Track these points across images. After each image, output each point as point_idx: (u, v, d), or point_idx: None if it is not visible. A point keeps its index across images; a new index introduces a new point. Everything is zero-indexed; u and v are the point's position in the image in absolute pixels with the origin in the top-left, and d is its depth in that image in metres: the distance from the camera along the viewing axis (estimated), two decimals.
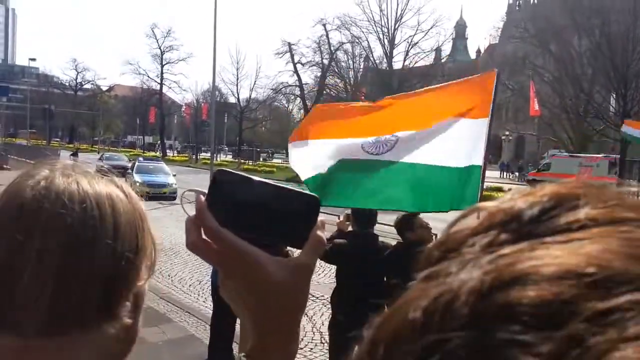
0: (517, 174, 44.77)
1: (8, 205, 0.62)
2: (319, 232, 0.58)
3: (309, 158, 3.89)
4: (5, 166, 29.27)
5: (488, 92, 3.68)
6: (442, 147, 3.62)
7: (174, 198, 19.40)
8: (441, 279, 0.25)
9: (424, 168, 3.58)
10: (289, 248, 0.62)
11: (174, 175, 22.69)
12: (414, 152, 3.61)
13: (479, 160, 3.57)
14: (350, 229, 4.44)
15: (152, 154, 60.97)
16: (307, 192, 0.59)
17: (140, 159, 25.89)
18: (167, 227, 14.18)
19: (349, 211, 4.52)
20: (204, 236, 0.55)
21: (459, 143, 3.61)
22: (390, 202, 3.71)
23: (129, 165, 26.84)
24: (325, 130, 3.95)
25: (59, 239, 0.60)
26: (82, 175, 0.66)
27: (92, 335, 0.62)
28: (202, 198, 0.55)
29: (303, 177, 3.85)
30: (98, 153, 59.07)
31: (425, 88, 4.20)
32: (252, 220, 0.55)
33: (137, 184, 19.59)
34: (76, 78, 77.75)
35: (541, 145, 55.20)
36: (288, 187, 0.58)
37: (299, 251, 0.58)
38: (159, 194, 19.99)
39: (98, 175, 0.68)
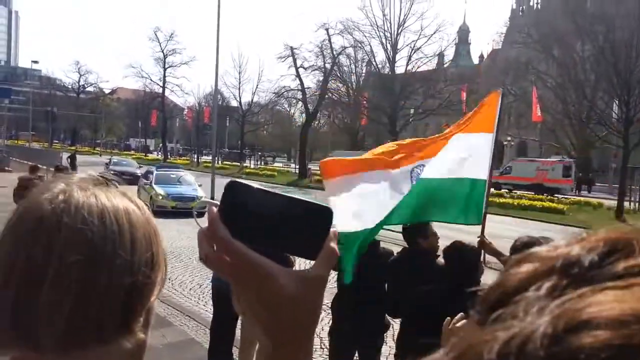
0: None
1: (27, 218, 0.62)
2: (332, 244, 0.57)
3: (347, 201, 3.58)
4: (6, 168, 29.34)
5: (492, 108, 3.72)
6: (445, 160, 3.63)
7: (203, 214, 17.67)
8: (509, 322, 0.25)
9: (428, 181, 3.56)
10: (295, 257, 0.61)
11: (200, 186, 19.69)
12: (425, 169, 3.61)
13: (483, 175, 3.57)
14: None
15: (154, 157, 61.13)
16: (320, 202, 0.58)
17: (156, 167, 20.95)
18: (169, 230, 14.17)
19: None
20: (216, 248, 0.55)
21: (462, 155, 3.61)
22: (398, 217, 3.61)
23: (139, 172, 25.19)
24: (352, 164, 3.73)
25: (79, 252, 0.60)
26: (99, 188, 0.66)
27: (109, 350, 0.62)
28: (214, 209, 0.54)
29: (341, 228, 3.50)
30: (100, 156, 59.20)
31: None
32: (264, 232, 0.55)
33: (160, 197, 17.51)
34: (79, 81, 77.98)
35: (543, 151, 55.17)
36: (301, 197, 0.57)
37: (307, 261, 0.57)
38: (187, 209, 16.64)
39: (113, 189, 0.68)
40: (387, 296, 3.71)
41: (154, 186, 18.10)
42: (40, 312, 0.58)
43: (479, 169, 3.57)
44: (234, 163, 52.94)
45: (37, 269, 0.59)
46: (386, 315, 4.20)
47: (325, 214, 0.57)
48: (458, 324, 1.50)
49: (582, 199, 28.28)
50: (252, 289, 0.55)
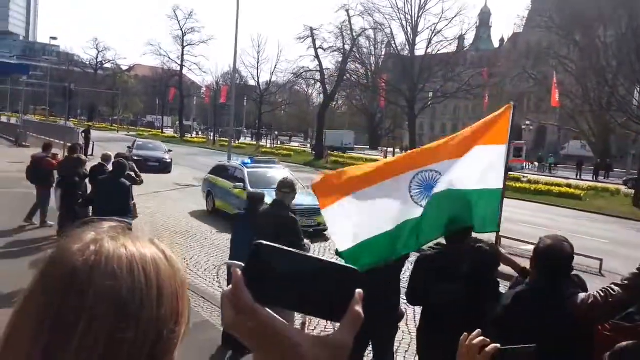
0: (536, 164, 44.04)
1: (59, 268, 0.62)
2: (357, 308, 0.56)
3: (350, 220, 3.54)
4: (24, 143, 29.73)
5: (505, 120, 3.80)
6: (470, 171, 3.65)
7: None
8: None
9: (446, 193, 3.53)
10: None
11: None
12: (439, 183, 3.59)
13: (499, 184, 3.68)
14: None
15: (169, 134, 61.46)
16: (346, 264, 0.58)
17: (245, 162, 13.76)
18: (185, 209, 14.27)
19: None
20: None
21: (482, 167, 3.67)
22: (423, 236, 3.53)
23: (168, 157, 22.99)
24: (355, 182, 3.64)
25: (109, 304, 0.60)
26: (129, 237, 0.67)
27: None
28: (239, 272, 0.54)
29: (341, 248, 3.49)
30: (117, 132, 59.55)
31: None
32: (290, 294, 0.54)
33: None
34: (97, 57, 78.46)
35: (562, 136, 54.24)
36: (327, 259, 0.57)
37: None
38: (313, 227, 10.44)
39: (141, 236, 0.68)
40: (410, 286, 3.64)
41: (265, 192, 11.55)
42: None
43: (495, 179, 3.68)
44: (250, 142, 53.05)
45: (67, 325, 0.59)
46: (401, 305, 4.18)
47: (351, 275, 0.57)
48: (475, 341, 1.46)
49: (599, 184, 27.78)
50: (274, 355, 0.53)
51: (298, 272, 0.55)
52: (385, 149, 43.98)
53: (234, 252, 5.73)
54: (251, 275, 0.54)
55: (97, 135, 33.54)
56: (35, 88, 74.63)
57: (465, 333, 1.50)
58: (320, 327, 5.76)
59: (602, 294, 2.47)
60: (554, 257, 2.63)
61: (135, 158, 19.46)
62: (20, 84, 58.16)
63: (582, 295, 2.54)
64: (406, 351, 5.89)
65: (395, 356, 5.01)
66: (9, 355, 0.61)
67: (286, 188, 5.23)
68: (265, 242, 0.55)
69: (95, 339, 0.59)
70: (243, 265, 0.55)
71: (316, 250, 9.99)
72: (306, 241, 5.27)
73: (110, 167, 9.30)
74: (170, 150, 24.78)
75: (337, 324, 0.57)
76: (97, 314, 0.60)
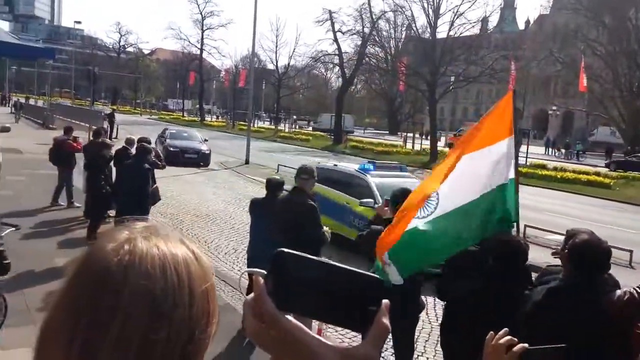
0: (563, 151, 43.02)
1: (94, 268, 0.63)
2: (384, 319, 0.54)
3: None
4: (51, 126, 30.35)
5: (508, 112, 3.68)
6: (466, 184, 3.54)
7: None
8: None
9: (466, 206, 3.44)
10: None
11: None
12: (454, 197, 3.48)
13: (510, 175, 3.55)
14: (389, 215, 4.31)
15: (190, 118, 61.90)
16: (371, 273, 0.56)
17: (366, 167, 9.79)
18: (205, 193, 14.39)
19: (388, 197, 4.40)
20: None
21: (485, 171, 3.54)
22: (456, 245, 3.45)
23: (205, 148, 20.69)
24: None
25: (143, 304, 0.61)
26: (161, 237, 0.67)
27: None
28: (261, 280, 0.53)
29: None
30: (140, 115, 60.16)
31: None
32: (313, 302, 0.53)
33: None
34: (119, 41, 79.04)
35: (590, 122, 52.91)
36: (351, 268, 0.55)
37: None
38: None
39: (173, 236, 0.69)
40: (441, 281, 3.57)
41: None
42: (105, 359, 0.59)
43: (505, 173, 3.55)
44: (268, 126, 53.09)
45: (102, 324, 0.60)
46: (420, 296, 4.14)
47: (376, 286, 0.55)
48: (501, 341, 1.40)
49: (630, 173, 27.07)
50: None
51: (321, 280, 0.53)
52: (405, 134, 43.53)
53: (253, 238, 5.73)
54: (273, 283, 0.53)
55: (120, 118, 33.94)
56: (61, 71, 75.72)
57: (491, 332, 1.44)
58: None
59: (639, 291, 2.38)
60: (591, 252, 2.53)
61: (172, 149, 18.86)
62: (46, 67, 59.08)
63: (618, 292, 2.45)
64: (426, 340, 5.86)
65: (415, 345, 4.98)
66: (46, 351, 0.62)
67: (305, 174, 5.17)
68: (287, 250, 0.54)
69: (129, 339, 0.60)
70: (265, 272, 0.54)
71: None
72: (325, 228, 5.22)
73: (133, 151, 9.42)
74: (206, 140, 22.38)
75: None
76: (131, 313, 0.60)
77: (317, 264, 0.54)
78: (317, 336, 0.53)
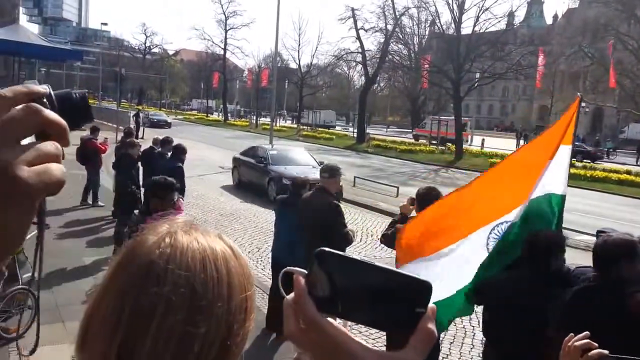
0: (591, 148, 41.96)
1: (137, 259, 0.64)
2: (429, 325, 0.52)
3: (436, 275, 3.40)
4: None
5: (570, 118, 3.46)
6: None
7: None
8: None
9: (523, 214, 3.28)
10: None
11: None
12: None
13: (563, 189, 3.37)
14: (414, 213, 4.27)
15: (214, 118, 62.51)
16: (417, 276, 0.53)
17: None
18: (229, 192, 14.49)
19: (413, 195, 4.34)
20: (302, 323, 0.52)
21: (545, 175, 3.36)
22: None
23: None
24: (430, 243, 3.53)
25: (184, 296, 0.62)
26: (200, 232, 0.69)
27: None
28: (302, 280, 0.52)
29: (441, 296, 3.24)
30: (167, 115, 61.16)
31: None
32: (355, 305, 0.52)
33: None
34: (145, 42, 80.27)
35: (621, 119, 51.43)
36: (396, 270, 0.53)
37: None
38: None
39: (212, 232, 0.70)
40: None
41: None
42: (147, 349, 0.60)
43: (559, 182, 3.37)
44: (290, 125, 53.25)
45: (144, 315, 0.61)
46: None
47: (423, 289, 0.53)
48: (578, 343, 1.37)
49: None
50: None
51: (363, 282, 0.52)
52: (430, 133, 43.10)
53: (278, 238, 5.71)
54: (314, 283, 0.52)
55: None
56: (89, 72, 77.38)
57: (571, 333, 1.42)
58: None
59: None
60: (604, 250, 2.51)
61: (285, 182, 11.85)
62: (74, 68, 60.39)
63: None
64: (451, 342, 5.76)
65: (440, 347, 4.90)
66: (91, 339, 0.62)
67: (325, 173, 5.14)
68: (328, 249, 0.52)
69: (170, 330, 0.60)
70: (306, 272, 0.53)
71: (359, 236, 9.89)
72: (350, 228, 5.17)
73: (158, 149, 9.58)
74: (321, 163, 15.43)
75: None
76: (173, 304, 0.61)
77: (361, 264, 0.52)
78: (360, 341, 0.52)
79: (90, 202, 10.76)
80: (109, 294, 0.63)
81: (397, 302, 0.52)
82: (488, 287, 3.14)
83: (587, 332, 1.40)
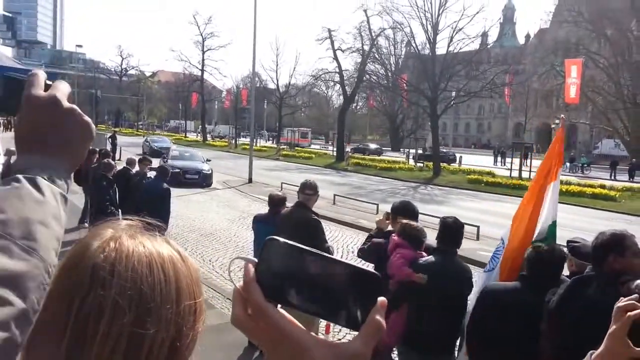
0: (568, 164, 42.87)
1: (81, 264, 0.63)
2: (378, 317, 0.51)
3: None
4: None
5: (559, 144, 3.92)
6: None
7: None
8: None
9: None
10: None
11: None
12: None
13: (554, 217, 3.86)
14: (389, 228, 4.32)
15: (192, 138, 62.13)
16: (367, 268, 0.53)
17: None
18: (209, 212, 14.28)
19: (389, 210, 4.37)
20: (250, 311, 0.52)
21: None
22: None
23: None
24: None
25: (131, 299, 0.61)
26: (146, 236, 0.68)
27: None
28: (251, 268, 0.51)
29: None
30: (144, 137, 60.57)
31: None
32: (304, 295, 0.51)
33: None
34: (121, 64, 79.80)
35: (594, 135, 52.81)
36: (346, 262, 0.52)
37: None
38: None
39: (159, 237, 0.70)
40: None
41: None
42: (96, 352, 0.59)
43: (553, 212, 3.87)
44: (271, 145, 53.23)
45: (91, 319, 0.60)
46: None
47: (372, 281, 0.52)
48: (621, 303, 1.38)
49: (635, 185, 26.83)
50: (284, 358, 0.51)
51: (314, 272, 0.51)
52: (408, 150, 43.53)
53: (256, 254, 5.60)
54: (263, 272, 0.51)
55: (123, 140, 34.04)
56: None
57: (605, 289, 1.48)
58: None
59: None
60: (604, 247, 2.61)
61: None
62: None
63: (637, 281, 2.39)
64: None
65: None
66: (37, 345, 0.62)
67: (309, 190, 5.08)
68: (279, 238, 0.52)
69: (118, 333, 0.60)
70: (255, 260, 0.52)
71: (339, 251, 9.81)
72: (330, 244, 5.11)
73: (134, 171, 9.42)
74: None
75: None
76: (119, 307, 0.60)
77: (310, 254, 0.52)
78: (307, 330, 0.51)
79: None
80: (54, 298, 0.62)
81: (347, 293, 0.51)
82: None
83: (636, 295, 1.39)
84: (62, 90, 0.71)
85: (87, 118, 0.72)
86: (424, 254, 3.85)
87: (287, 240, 0.52)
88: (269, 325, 0.50)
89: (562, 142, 3.92)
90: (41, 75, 0.71)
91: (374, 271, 0.52)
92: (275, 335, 0.50)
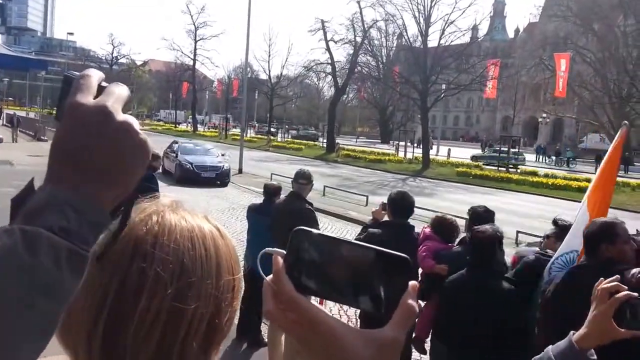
0: (554, 158, 43.42)
1: (124, 237, 0.62)
2: (410, 301, 0.50)
3: None
4: (42, 137, 30.23)
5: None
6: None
7: None
8: None
9: None
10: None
11: None
12: None
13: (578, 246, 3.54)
14: (386, 218, 4.35)
15: (183, 128, 61.86)
16: (397, 252, 0.51)
17: None
18: (199, 202, 14.36)
19: (385, 200, 4.43)
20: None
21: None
22: None
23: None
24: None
25: (173, 272, 0.61)
26: (187, 211, 0.69)
27: None
28: (280, 260, 0.51)
29: None
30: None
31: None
32: (334, 284, 0.50)
33: None
34: (112, 52, 78.94)
35: (580, 129, 53.40)
36: (378, 248, 0.51)
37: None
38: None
39: (199, 213, 0.70)
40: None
41: None
42: (134, 334, 0.59)
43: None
44: (262, 136, 53.19)
45: (132, 292, 0.60)
46: None
47: (403, 265, 0.51)
48: (607, 285, 1.38)
49: (619, 179, 27.27)
50: (317, 349, 0.50)
51: (342, 260, 0.50)
52: (397, 142, 43.80)
53: (250, 244, 5.75)
54: (292, 263, 0.51)
55: None
56: (54, 83, 75.48)
57: (601, 278, 1.44)
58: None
59: None
60: (595, 235, 2.68)
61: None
62: (38, 79, 58.72)
63: (633, 270, 2.51)
64: None
65: None
66: (75, 325, 0.61)
67: (303, 179, 5.21)
68: (306, 228, 0.52)
69: (158, 308, 0.59)
70: (283, 252, 0.52)
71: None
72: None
73: None
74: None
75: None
76: (161, 280, 0.60)
77: (339, 242, 0.51)
78: (340, 319, 0.51)
79: None
80: (92, 272, 0.59)
81: (377, 280, 0.50)
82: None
83: (617, 276, 1.41)
84: (118, 96, 0.57)
85: (143, 136, 0.55)
86: (455, 247, 3.93)
87: (313, 230, 0.52)
88: (300, 316, 0.50)
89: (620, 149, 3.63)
90: (94, 76, 0.58)
91: (403, 255, 0.51)
92: (307, 326, 0.50)
